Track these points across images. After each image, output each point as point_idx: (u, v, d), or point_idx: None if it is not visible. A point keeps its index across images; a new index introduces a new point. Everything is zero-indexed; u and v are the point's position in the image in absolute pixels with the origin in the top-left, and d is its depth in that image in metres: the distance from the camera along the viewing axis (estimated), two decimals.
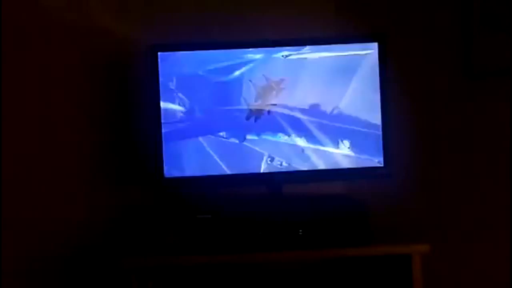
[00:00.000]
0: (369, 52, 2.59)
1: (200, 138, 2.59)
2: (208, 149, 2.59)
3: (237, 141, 2.59)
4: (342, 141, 2.59)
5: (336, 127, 2.59)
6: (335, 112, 2.59)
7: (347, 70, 2.59)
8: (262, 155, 2.59)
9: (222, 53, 2.59)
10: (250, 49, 2.58)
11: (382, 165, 2.59)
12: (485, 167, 2.71)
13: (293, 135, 2.59)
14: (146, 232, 2.62)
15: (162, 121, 2.57)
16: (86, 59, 2.68)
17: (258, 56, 2.58)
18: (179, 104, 2.58)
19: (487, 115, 2.70)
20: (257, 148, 2.59)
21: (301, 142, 2.59)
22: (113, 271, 2.51)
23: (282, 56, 2.58)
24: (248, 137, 2.59)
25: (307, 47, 2.58)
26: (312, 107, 2.59)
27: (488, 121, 2.70)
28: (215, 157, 2.59)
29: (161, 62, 2.57)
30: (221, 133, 2.59)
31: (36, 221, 2.61)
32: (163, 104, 2.57)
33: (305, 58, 2.58)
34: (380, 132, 2.59)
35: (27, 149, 2.63)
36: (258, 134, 2.59)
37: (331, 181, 2.66)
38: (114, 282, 2.51)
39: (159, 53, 2.57)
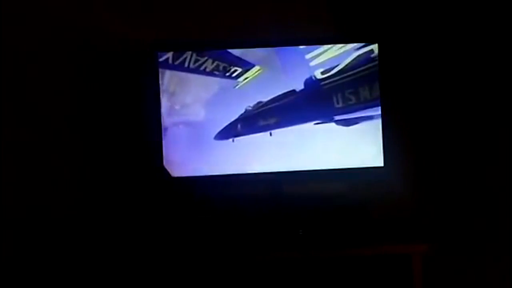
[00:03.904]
0: (369, 52, 2.58)
1: (201, 139, 2.59)
2: (208, 149, 2.59)
3: (237, 140, 2.59)
4: (342, 140, 2.59)
5: (336, 127, 2.59)
6: (335, 112, 2.59)
7: (347, 70, 2.59)
8: (264, 153, 2.59)
9: (222, 53, 2.59)
10: (249, 49, 2.59)
11: (382, 165, 2.59)
12: (485, 167, 2.71)
13: (291, 134, 2.60)
14: (148, 231, 2.62)
15: (163, 121, 2.57)
16: (85, 58, 2.68)
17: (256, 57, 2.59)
18: (180, 104, 2.59)
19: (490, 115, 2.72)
20: (258, 146, 2.60)
21: (299, 141, 2.60)
22: (115, 270, 2.51)
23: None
24: (249, 136, 2.60)
25: (307, 47, 2.58)
26: (311, 106, 2.59)
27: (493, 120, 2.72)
28: (216, 157, 2.59)
29: (161, 62, 2.57)
30: (222, 133, 2.59)
31: (37, 221, 2.62)
32: (163, 104, 2.57)
33: (305, 58, 2.59)
34: (380, 132, 2.59)
35: (27, 148, 2.63)
36: (259, 132, 2.59)
37: (331, 181, 2.65)
38: (116, 281, 2.51)
39: (159, 53, 2.58)
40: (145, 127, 2.62)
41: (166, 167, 2.58)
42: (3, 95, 2.62)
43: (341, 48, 2.59)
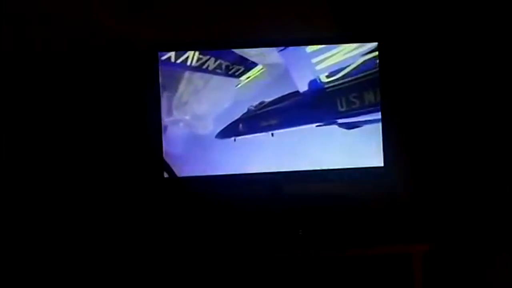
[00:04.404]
0: (375, 58, 2.58)
1: (202, 137, 2.59)
2: (210, 148, 2.59)
3: (239, 140, 2.59)
4: (342, 141, 2.59)
5: (336, 127, 2.59)
6: (338, 115, 2.59)
7: (352, 74, 2.59)
8: (265, 153, 2.59)
9: (224, 52, 2.59)
10: (250, 49, 2.59)
11: (382, 165, 2.59)
12: (485, 167, 2.71)
13: (292, 134, 2.60)
14: (148, 231, 2.62)
15: (163, 120, 2.57)
16: (85, 58, 2.68)
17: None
18: (181, 103, 2.59)
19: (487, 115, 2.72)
20: (259, 146, 2.60)
21: (300, 141, 2.60)
22: (115, 270, 2.52)
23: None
24: (251, 135, 2.60)
25: (314, 52, 2.58)
26: (314, 109, 2.59)
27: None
28: (217, 156, 2.59)
29: (161, 62, 2.58)
30: (223, 132, 2.59)
31: (35, 221, 2.62)
32: (164, 103, 2.57)
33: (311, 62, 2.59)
34: (380, 132, 2.59)
35: (25, 147, 2.63)
36: (260, 132, 2.60)
37: (331, 181, 2.65)
38: (116, 281, 2.51)
39: (159, 52, 2.58)
40: (146, 127, 2.62)
41: (166, 166, 2.58)
42: (2, 95, 2.62)
43: (347, 53, 2.58)
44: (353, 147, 2.59)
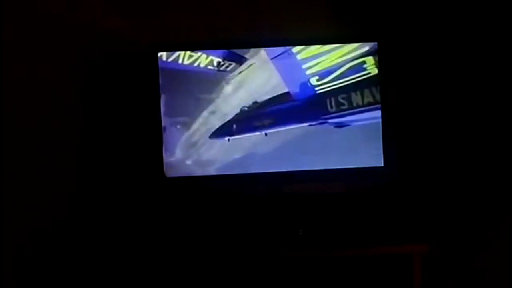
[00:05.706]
0: (362, 63, 2.59)
1: (196, 137, 2.59)
2: (208, 149, 2.59)
3: (232, 140, 2.60)
4: (342, 141, 2.59)
5: (336, 127, 2.59)
6: (335, 112, 2.59)
7: (346, 70, 2.59)
8: (263, 154, 2.60)
9: (222, 53, 2.59)
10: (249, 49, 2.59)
11: (382, 165, 2.59)
12: (485, 167, 2.72)
13: (290, 134, 2.60)
14: (147, 232, 2.62)
15: (162, 120, 2.57)
16: (85, 58, 2.68)
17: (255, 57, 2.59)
18: (175, 102, 2.59)
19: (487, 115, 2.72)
20: (254, 146, 2.60)
21: (299, 141, 2.60)
22: (114, 269, 2.52)
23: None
24: (245, 135, 2.60)
25: (308, 47, 2.59)
26: (305, 109, 2.59)
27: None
28: (216, 157, 2.59)
29: (161, 62, 2.58)
30: (217, 132, 2.59)
31: (36, 221, 2.62)
32: (162, 105, 2.57)
33: (305, 58, 2.59)
34: (380, 132, 2.59)
35: (26, 148, 2.63)
36: (254, 132, 2.60)
37: (331, 181, 2.65)
38: (115, 281, 2.52)
39: (159, 53, 2.58)
40: (144, 127, 2.63)
41: (165, 167, 2.58)
42: (3, 95, 2.62)
43: (336, 59, 2.59)
44: (353, 147, 2.59)
